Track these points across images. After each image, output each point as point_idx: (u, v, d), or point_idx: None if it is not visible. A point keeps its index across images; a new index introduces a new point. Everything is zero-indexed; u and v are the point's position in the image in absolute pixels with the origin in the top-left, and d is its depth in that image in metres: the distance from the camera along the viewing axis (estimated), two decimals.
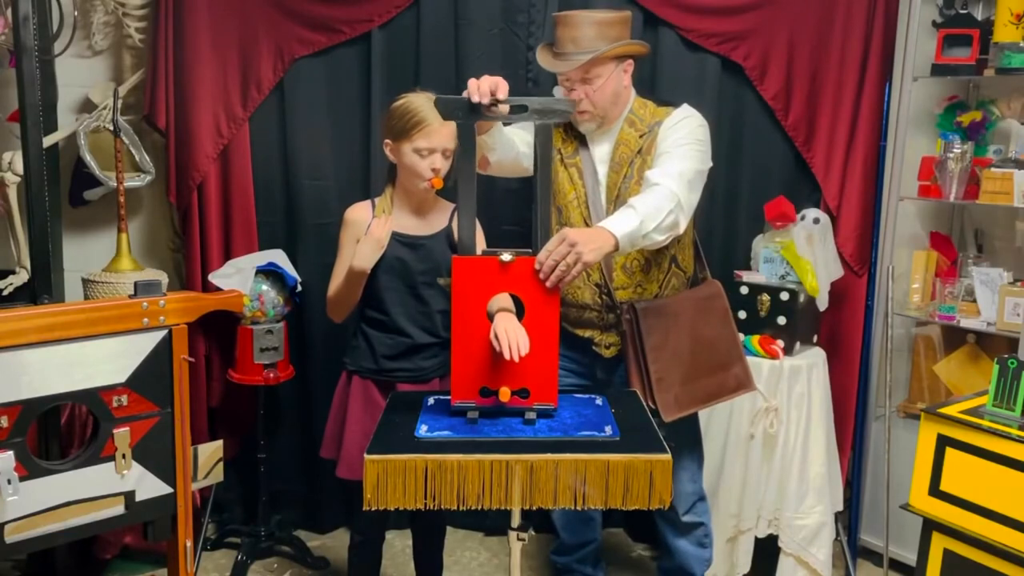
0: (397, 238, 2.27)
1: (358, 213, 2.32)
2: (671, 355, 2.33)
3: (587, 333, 2.42)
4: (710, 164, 2.33)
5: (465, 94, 1.91)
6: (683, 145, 2.26)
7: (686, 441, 2.45)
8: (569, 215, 2.36)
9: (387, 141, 2.27)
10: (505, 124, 2.30)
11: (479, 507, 1.73)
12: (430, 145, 2.20)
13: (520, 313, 1.94)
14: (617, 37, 2.25)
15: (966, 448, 1.93)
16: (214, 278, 2.80)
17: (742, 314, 2.83)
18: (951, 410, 2.00)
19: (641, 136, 2.32)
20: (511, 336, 1.85)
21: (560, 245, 1.87)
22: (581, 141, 2.37)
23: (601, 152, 2.36)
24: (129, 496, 1.92)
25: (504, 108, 1.92)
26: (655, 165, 2.26)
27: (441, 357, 2.31)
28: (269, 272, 2.85)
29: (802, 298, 2.77)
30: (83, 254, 3.05)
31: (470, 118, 1.92)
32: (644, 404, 2.08)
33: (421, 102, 2.21)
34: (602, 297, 2.36)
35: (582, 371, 2.47)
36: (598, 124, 2.32)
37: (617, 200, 2.31)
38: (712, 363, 2.40)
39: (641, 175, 2.27)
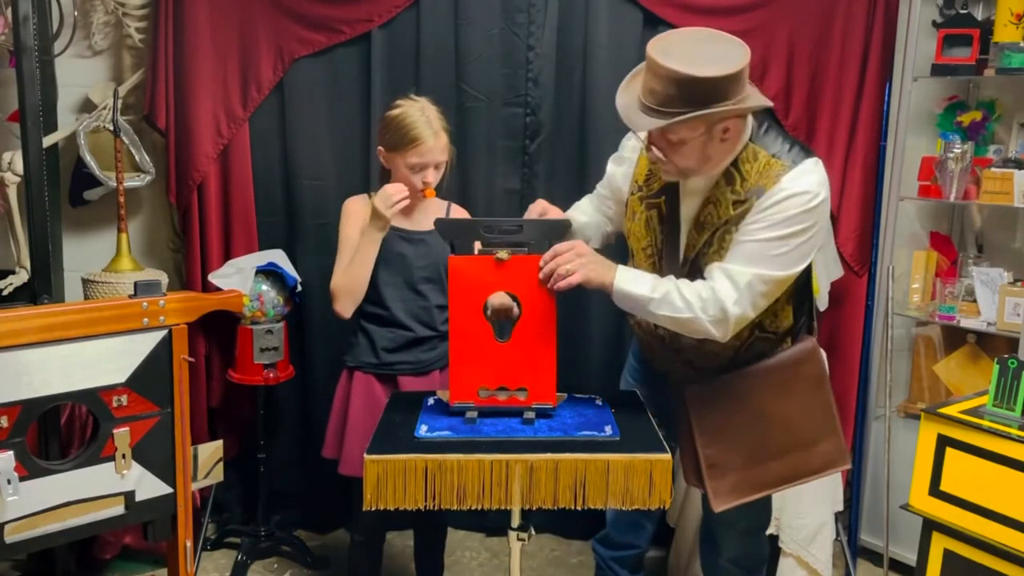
0: (397, 233, 2.29)
1: (358, 204, 2.33)
2: (731, 439, 2.02)
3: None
4: (802, 266, 1.91)
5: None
6: (771, 241, 1.84)
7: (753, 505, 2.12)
8: (639, 262, 2.08)
9: (380, 148, 2.30)
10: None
11: (479, 507, 1.73)
12: (423, 161, 2.24)
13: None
14: (712, 100, 1.74)
15: (966, 448, 1.93)
16: (214, 278, 2.80)
17: None
18: (951, 410, 1.99)
19: (735, 203, 1.89)
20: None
21: (568, 252, 1.86)
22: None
23: (689, 205, 1.98)
24: (129, 496, 1.92)
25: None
26: (731, 250, 1.90)
27: (440, 349, 2.33)
28: (269, 272, 2.84)
29: None
30: (83, 254, 3.05)
31: (469, 240, 1.94)
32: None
33: (416, 116, 2.23)
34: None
35: (646, 381, 2.27)
36: (684, 178, 1.96)
37: (693, 263, 1.98)
38: (789, 443, 2.04)
39: (722, 245, 1.92)
